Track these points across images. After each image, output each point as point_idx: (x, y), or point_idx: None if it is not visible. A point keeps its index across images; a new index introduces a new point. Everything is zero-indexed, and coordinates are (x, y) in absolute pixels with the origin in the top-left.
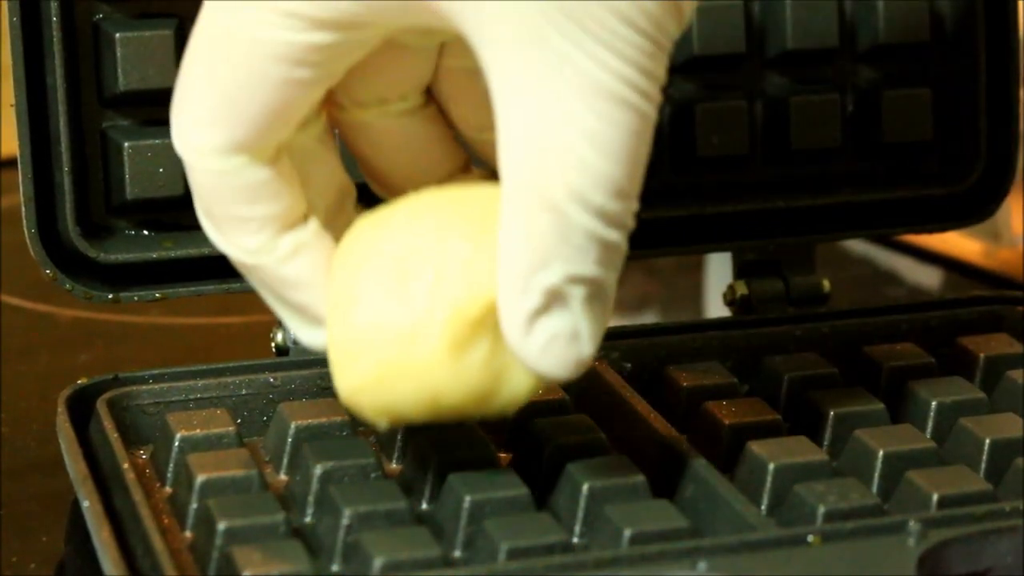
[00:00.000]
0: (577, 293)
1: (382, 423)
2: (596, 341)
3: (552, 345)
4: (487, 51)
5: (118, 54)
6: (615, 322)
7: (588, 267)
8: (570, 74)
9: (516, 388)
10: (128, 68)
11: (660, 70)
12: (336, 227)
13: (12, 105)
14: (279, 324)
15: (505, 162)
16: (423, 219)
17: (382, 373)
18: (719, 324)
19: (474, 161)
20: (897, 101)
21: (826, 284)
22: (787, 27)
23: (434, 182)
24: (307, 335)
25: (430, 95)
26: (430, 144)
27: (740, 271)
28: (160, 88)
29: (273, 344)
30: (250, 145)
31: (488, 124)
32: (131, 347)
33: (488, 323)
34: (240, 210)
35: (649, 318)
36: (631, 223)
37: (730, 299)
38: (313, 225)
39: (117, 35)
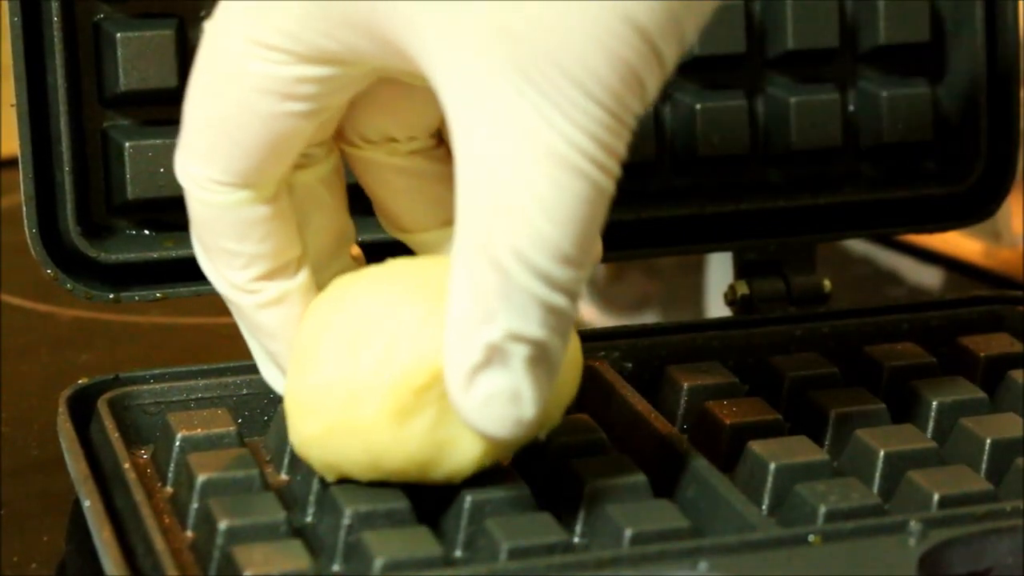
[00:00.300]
0: (519, 352)
1: (329, 477)
2: (538, 405)
3: (491, 403)
4: (449, 104)
5: (119, 54)
6: (616, 321)
7: (531, 327)
8: (526, 136)
9: (459, 461)
10: (129, 68)
11: (619, 145)
12: (329, 272)
13: (13, 105)
14: None
15: (459, 214)
16: (385, 287)
17: (328, 432)
18: (720, 324)
19: None
20: (897, 101)
21: (827, 284)
22: (788, 27)
23: (443, 223)
24: (270, 377)
25: (441, 136)
26: (440, 185)
27: (741, 271)
28: (161, 88)
29: None
30: (246, 180)
31: None
32: (132, 347)
33: (434, 394)
34: (229, 244)
35: (650, 318)
36: (579, 290)
37: (731, 299)
38: (301, 278)
39: (118, 35)
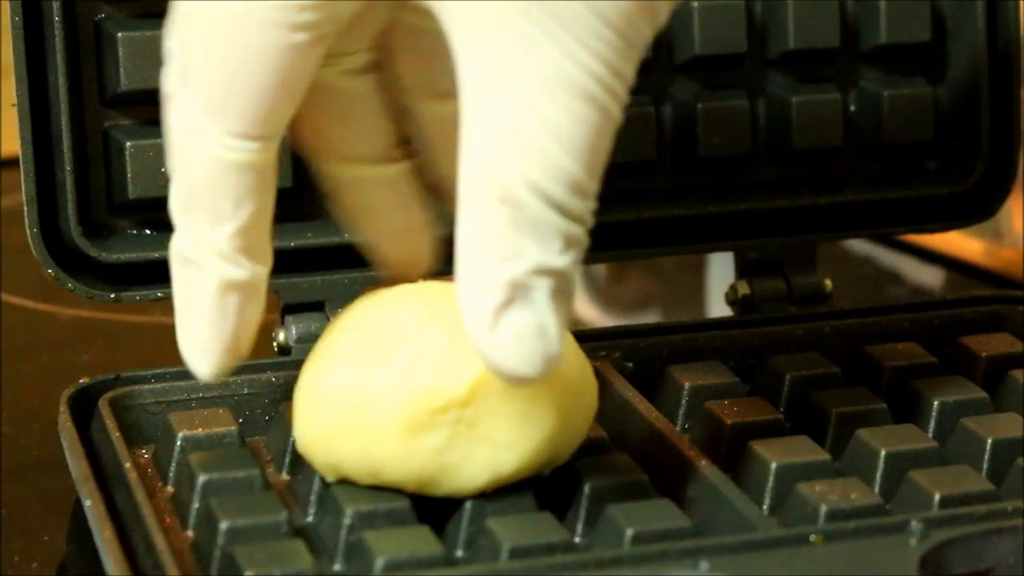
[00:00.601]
0: (542, 286)
1: (329, 477)
2: (562, 339)
3: (520, 341)
4: (456, 35)
5: (120, 53)
6: (617, 322)
7: (552, 259)
8: (539, 64)
9: (459, 486)
10: (130, 67)
11: (629, 70)
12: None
13: (14, 104)
14: (280, 324)
15: (464, 151)
16: (417, 305)
17: (334, 434)
18: (721, 324)
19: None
20: (898, 101)
21: (828, 284)
22: (789, 27)
23: (364, 154)
24: (188, 353)
25: (377, 66)
26: (368, 112)
27: (742, 271)
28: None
29: (275, 343)
30: (262, 129)
31: (431, 91)
32: (133, 346)
33: (448, 418)
34: (222, 204)
35: (651, 318)
36: (590, 220)
37: (732, 299)
38: (266, 268)
39: (119, 35)
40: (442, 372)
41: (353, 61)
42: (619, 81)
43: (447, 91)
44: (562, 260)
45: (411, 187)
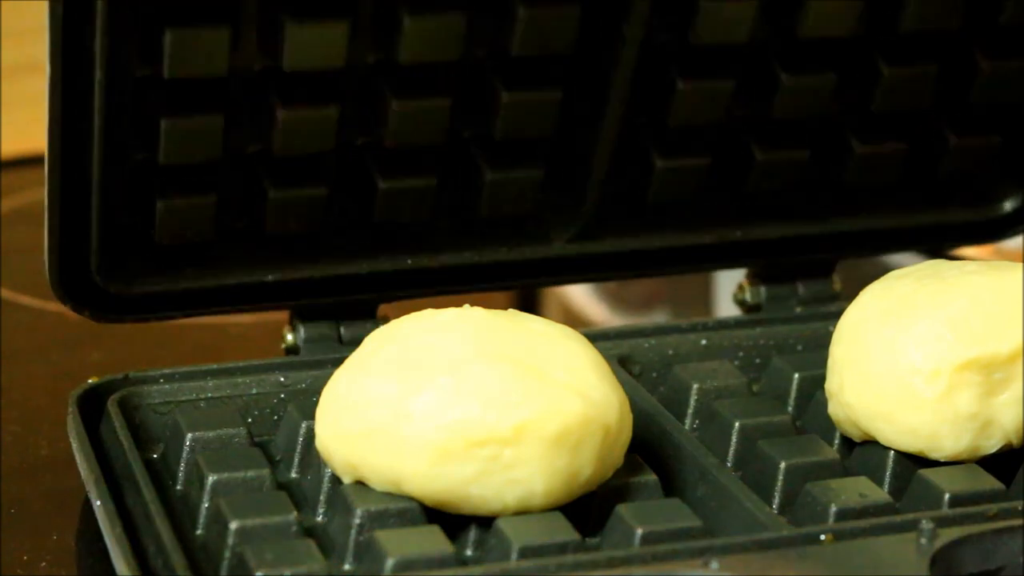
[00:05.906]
0: None
1: (345, 478)
2: None
3: None
4: None
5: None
6: (625, 321)
7: None
8: None
9: (481, 512)
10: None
11: None
12: None
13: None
14: (289, 323)
15: None
16: (468, 331)
17: (364, 436)
18: (729, 323)
19: None
20: None
21: (836, 283)
22: None
23: None
24: None
25: None
26: None
27: (751, 271)
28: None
29: (283, 344)
30: None
31: None
32: (141, 346)
33: (484, 453)
34: None
35: (658, 317)
36: None
37: (740, 298)
38: None
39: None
40: (490, 405)
41: None
42: None
43: None
44: None
45: None
